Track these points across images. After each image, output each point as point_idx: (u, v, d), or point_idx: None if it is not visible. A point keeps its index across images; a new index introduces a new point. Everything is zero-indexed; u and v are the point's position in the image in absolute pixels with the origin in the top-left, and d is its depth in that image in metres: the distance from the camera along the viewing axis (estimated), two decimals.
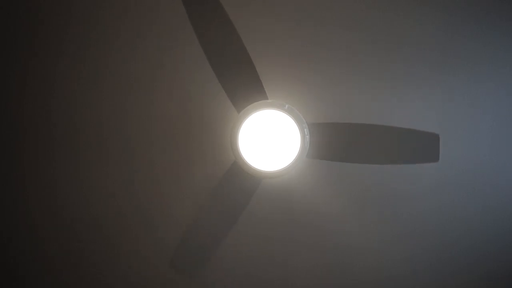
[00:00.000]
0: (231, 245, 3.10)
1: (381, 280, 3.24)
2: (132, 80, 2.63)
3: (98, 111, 2.71)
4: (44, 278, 3.24)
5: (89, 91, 2.66)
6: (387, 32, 2.51)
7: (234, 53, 2.05)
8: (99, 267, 3.20)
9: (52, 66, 2.59)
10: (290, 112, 2.16)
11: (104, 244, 3.10)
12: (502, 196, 2.91)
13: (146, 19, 2.49)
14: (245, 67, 2.06)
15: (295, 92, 2.64)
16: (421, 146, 2.18)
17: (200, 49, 2.55)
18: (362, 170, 2.83)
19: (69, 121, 2.73)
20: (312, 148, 2.19)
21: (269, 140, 2.18)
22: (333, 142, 2.19)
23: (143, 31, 2.52)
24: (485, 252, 3.10)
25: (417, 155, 2.20)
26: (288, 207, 2.95)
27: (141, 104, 2.69)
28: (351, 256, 3.13)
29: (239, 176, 2.31)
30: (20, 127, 2.74)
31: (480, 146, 2.77)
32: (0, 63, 2.59)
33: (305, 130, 2.17)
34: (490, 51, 2.55)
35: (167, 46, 2.55)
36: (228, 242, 3.09)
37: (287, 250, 3.12)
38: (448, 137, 2.74)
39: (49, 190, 2.92)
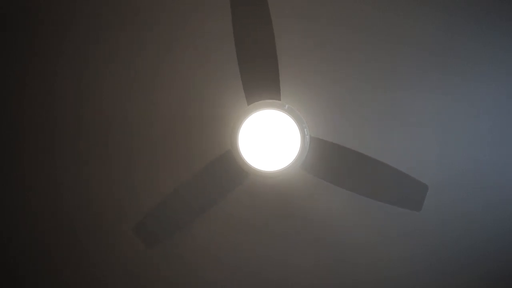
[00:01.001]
0: (230, 245, 3.10)
1: (381, 280, 3.24)
2: (132, 80, 2.63)
3: (99, 111, 2.71)
4: (44, 278, 3.24)
5: (89, 91, 2.66)
6: (387, 32, 2.51)
7: (263, 51, 2.06)
8: (99, 267, 3.20)
9: (52, 66, 2.59)
10: (290, 112, 2.16)
11: (104, 244, 3.10)
12: (502, 196, 2.91)
13: (147, 19, 2.49)
14: (268, 65, 2.08)
15: (295, 91, 2.64)
16: (409, 194, 2.23)
17: (200, 48, 2.55)
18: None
19: (69, 121, 2.73)
20: (311, 156, 2.22)
21: (269, 140, 2.18)
22: (328, 163, 2.22)
23: (143, 30, 2.52)
24: (485, 252, 3.10)
25: (402, 201, 2.26)
26: (288, 206, 2.95)
27: (141, 104, 2.68)
28: (351, 256, 3.13)
29: (239, 176, 2.31)
30: (20, 126, 2.74)
31: (480, 146, 2.77)
32: (0, 63, 2.59)
33: (305, 130, 2.17)
34: (490, 51, 2.55)
35: (167, 46, 2.55)
36: (227, 242, 3.09)
37: (286, 250, 3.12)
38: (448, 137, 2.74)
39: (49, 190, 2.92)
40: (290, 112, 2.16)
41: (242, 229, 3.04)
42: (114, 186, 2.90)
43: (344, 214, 2.97)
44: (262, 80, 2.12)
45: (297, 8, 2.47)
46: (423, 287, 3.25)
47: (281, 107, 2.15)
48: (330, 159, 2.21)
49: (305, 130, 2.17)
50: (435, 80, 2.61)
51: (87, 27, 2.51)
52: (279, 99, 2.16)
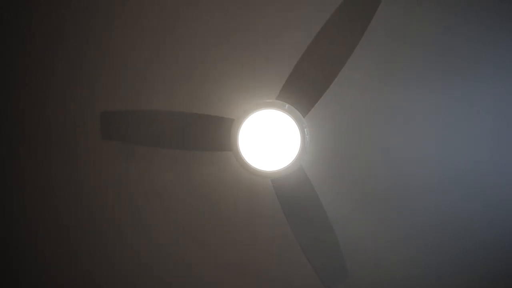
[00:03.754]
0: (230, 245, 3.10)
1: (381, 280, 3.24)
2: (132, 80, 2.63)
3: (96, 112, 2.70)
4: (43, 280, 3.24)
5: (87, 91, 2.66)
6: (387, 32, 2.51)
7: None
8: (96, 270, 3.20)
9: (48, 66, 2.59)
10: (290, 112, 2.16)
11: (101, 246, 3.10)
12: (502, 196, 2.91)
13: (145, 19, 2.49)
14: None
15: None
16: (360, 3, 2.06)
17: (199, 48, 2.55)
18: (362, 170, 2.83)
19: (67, 122, 2.73)
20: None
21: (269, 140, 2.18)
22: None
23: (142, 30, 2.52)
24: (485, 252, 3.10)
25: (361, 10, 2.07)
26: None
27: (140, 104, 2.68)
28: (351, 256, 3.13)
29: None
30: (18, 129, 2.74)
31: (480, 146, 2.77)
32: None
33: (305, 130, 2.17)
34: (490, 51, 2.55)
35: (166, 45, 2.55)
36: (227, 242, 3.09)
37: (286, 250, 3.11)
38: (448, 137, 2.74)
39: (46, 192, 2.91)
40: (290, 112, 2.16)
41: (242, 229, 3.04)
42: (113, 186, 2.90)
43: (344, 214, 2.97)
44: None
45: (297, 7, 2.47)
46: (423, 287, 3.25)
47: (281, 107, 2.15)
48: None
49: (305, 130, 2.17)
50: (435, 80, 2.61)
51: (85, 27, 2.51)
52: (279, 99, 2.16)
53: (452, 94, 2.65)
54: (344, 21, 2.04)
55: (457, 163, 2.81)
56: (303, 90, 2.13)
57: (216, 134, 2.17)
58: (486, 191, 2.89)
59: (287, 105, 2.16)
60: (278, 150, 2.19)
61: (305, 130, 2.17)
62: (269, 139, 2.19)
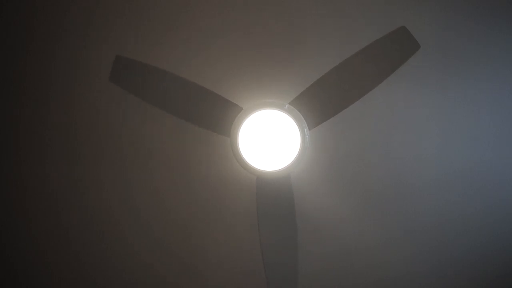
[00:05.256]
0: (230, 245, 3.10)
1: (381, 280, 3.24)
2: None
3: (95, 112, 2.71)
4: (42, 280, 3.24)
5: (86, 91, 2.66)
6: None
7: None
8: (95, 269, 3.20)
9: (47, 66, 2.59)
10: (290, 112, 2.16)
11: (100, 245, 3.10)
12: (502, 196, 2.91)
13: (145, 17, 2.49)
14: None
15: (294, 90, 2.64)
16: (398, 44, 2.10)
17: (199, 48, 2.55)
18: (362, 170, 2.84)
19: (66, 122, 2.73)
20: (309, 119, 2.18)
21: (269, 140, 2.19)
22: (323, 100, 2.16)
23: (141, 30, 2.52)
24: (485, 252, 3.10)
25: (400, 54, 2.11)
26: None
27: (139, 104, 2.68)
28: (351, 255, 3.13)
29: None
30: (16, 128, 2.74)
31: (480, 146, 2.77)
32: None
33: (305, 130, 2.17)
34: (490, 51, 2.55)
35: (165, 45, 2.55)
36: (227, 242, 3.09)
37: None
38: (448, 137, 2.75)
39: (45, 191, 2.92)
40: (290, 111, 2.16)
41: (244, 230, 3.04)
42: (110, 188, 2.90)
43: (345, 213, 2.97)
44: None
45: (296, 6, 2.47)
46: (423, 287, 3.25)
47: (281, 107, 2.15)
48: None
49: (305, 129, 2.17)
50: (435, 80, 2.62)
51: (84, 27, 2.51)
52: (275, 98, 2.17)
53: (452, 94, 2.65)
54: (379, 55, 2.06)
55: (457, 163, 2.81)
56: (317, 104, 2.14)
57: (216, 135, 2.17)
58: (486, 191, 2.89)
59: (287, 105, 2.16)
60: (278, 150, 2.19)
61: (305, 129, 2.17)
62: (269, 139, 2.19)
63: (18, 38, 2.53)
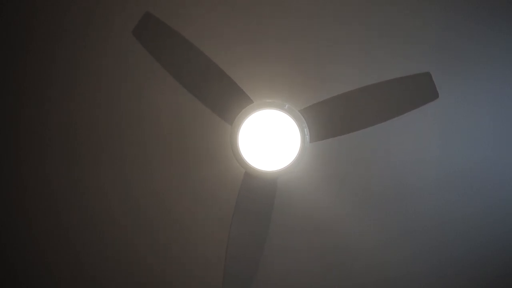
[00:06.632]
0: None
1: (381, 280, 3.24)
2: (130, 79, 2.63)
3: (95, 111, 2.71)
4: (42, 280, 3.24)
5: (86, 91, 2.66)
6: (387, 31, 2.51)
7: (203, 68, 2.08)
8: (95, 269, 3.20)
9: (47, 66, 2.59)
10: (290, 112, 2.16)
11: (100, 245, 3.10)
12: (502, 196, 2.91)
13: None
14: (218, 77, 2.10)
15: (295, 90, 2.64)
16: (418, 89, 2.14)
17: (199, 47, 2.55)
18: (362, 170, 2.83)
19: (66, 122, 2.73)
20: (312, 131, 2.19)
21: (269, 140, 2.18)
22: (331, 118, 2.17)
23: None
24: (485, 252, 3.10)
25: (417, 99, 2.14)
26: (287, 206, 2.95)
27: (139, 103, 2.69)
28: (351, 256, 3.13)
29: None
30: (16, 128, 2.74)
31: (480, 146, 2.77)
32: None
33: (305, 130, 2.17)
34: (490, 51, 2.55)
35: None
36: (226, 242, 3.09)
37: (286, 250, 3.11)
38: (448, 136, 2.74)
39: (45, 191, 2.92)
40: (289, 111, 2.16)
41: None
42: (110, 188, 2.90)
43: (345, 213, 2.97)
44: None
45: (296, 5, 2.47)
46: (423, 287, 3.25)
47: (280, 107, 2.15)
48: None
49: (305, 129, 2.17)
50: (435, 80, 2.61)
51: (83, 27, 2.51)
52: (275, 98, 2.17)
53: (452, 94, 2.65)
54: (398, 94, 2.08)
55: (457, 163, 2.81)
56: (324, 120, 2.14)
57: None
58: (486, 191, 2.89)
59: (287, 105, 2.16)
60: (278, 150, 2.19)
61: (305, 129, 2.17)
62: (269, 139, 2.19)
63: (18, 38, 2.53)
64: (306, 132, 2.17)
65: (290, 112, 2.16)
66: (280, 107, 2.15)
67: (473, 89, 2.64)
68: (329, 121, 2.15)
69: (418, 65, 2.57)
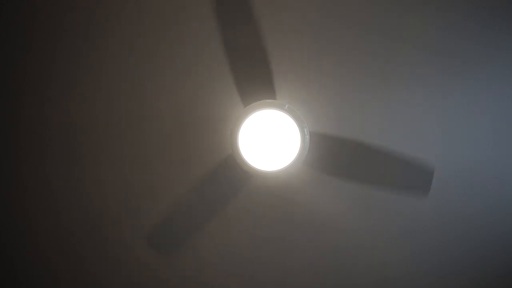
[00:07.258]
0: (230, 245, 3.10)
1: (381, 280, 3.24)
2: (130, 80, 2.63)
3: (95, 111, 2.70)
4: (42, 280, 3.24)
5: (86, 91, 2.66)
6: (387, 30, 2.51)
7: (252, 51, 2.09)
8: (95, 269, 3.20)
9: (47, 66, 2.59)
10: (290, 112, 2.16)
11: (100, 245, 3.10)
12: (502, 196, 2.91)
13: (145, 17, 2.49)
14: (259, 65, 2.10)
15: (295, 90, 2.64)
16: (415, 179, 2.22)
17: (199, 48, 2.55)
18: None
19: (66, 122, 2.73)
20: (311, 156, 2.22)
21: (269, 140, 2.19)
22: (333, 156, 2.22)
23: (141, 29, 2.52)
24: (485, 252, 3.10)
25: (409, 188, 2.24)
26: (288, 206, 2.95)
27: (139, 103, 2.68)
28: (351, 256, 3.13)
29: (241, 177, 2.31)
30: (16, 128, 2.74)
31: (480, 146, 2.77)
32: None
33: (305, 130, 2.17)
34: (490, 51, 2.55)
35: (160, 47, 2.55)
36: (227, 243, 3.09)
37: (286, 250, 3.11)
38: (448, 137, 2.74)
39: (45, 191, 2.91)
40: (289, 111, 2.16)
41: (244, 230, 3.04)
42: (111, 193, 2.90)
43: (345, 213, 2.97)
44: (256, 80, 2.13)
45: (295, 4, 2.47)
46: (423, 287, 3.25)
47: (280, 107, 2.15)
48: (331, 155, 2.22)
49: (305, 129, 2.17)
50: (435, 80, 2.61)
51: (83, 26, 2.51)
52: (275, 98, 2.17)
53: (452, 94, 2.65)
54: (394, 172, 2.24)
55: (457, 163, 2.81)
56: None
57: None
58: (486, 191, 2.89)
59: (287, 105, 2.16)
60: (278, 150, 2.19)
61: (305, 129, 2.17)
62: (269, 139, 2.19)
63: (18, 38, 2.53)
64: (306, 132, 2.18)
65: (290, 112, 2.16)
66: (280, 107, 2.16)
67: (473, 89, 2.64)
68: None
69: (418, 64, 2.57)
